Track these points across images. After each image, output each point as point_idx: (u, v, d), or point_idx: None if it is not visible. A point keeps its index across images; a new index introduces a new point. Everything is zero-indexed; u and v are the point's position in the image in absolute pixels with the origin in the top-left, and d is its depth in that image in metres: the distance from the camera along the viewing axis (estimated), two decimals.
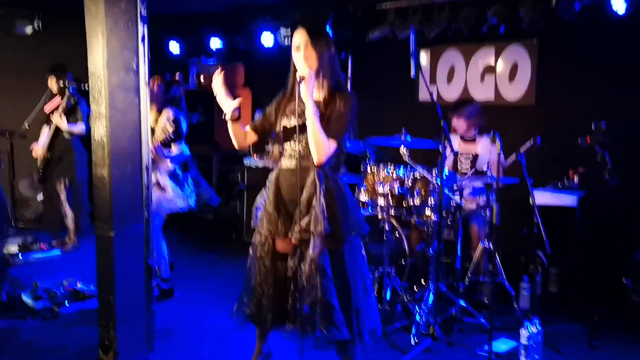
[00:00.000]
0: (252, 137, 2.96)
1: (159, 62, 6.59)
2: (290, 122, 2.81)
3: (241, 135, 2.93)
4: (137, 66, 3.14)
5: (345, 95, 2.73)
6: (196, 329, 3.92)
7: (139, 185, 3.25)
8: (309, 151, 2.70)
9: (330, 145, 2.66)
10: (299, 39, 2.72)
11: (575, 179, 4.63)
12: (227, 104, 2.82)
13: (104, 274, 3.23)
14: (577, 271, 4.48)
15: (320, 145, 2.63)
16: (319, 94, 2.75)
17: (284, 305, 2.78)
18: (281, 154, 2.87)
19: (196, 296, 4.57)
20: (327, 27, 2.80)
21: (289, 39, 2.83)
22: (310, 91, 2.63)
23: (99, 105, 3.11)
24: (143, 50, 3.16)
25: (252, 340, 3.16)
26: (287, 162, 2.84)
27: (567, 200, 4.48)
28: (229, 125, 2.88)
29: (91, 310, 3.98)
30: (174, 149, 4.35)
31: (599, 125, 3.81)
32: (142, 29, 3.14)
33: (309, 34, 2.70)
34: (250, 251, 2.95)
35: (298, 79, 2.64)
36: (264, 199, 2.91)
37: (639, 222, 4.35)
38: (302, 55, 2.70)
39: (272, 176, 2.91)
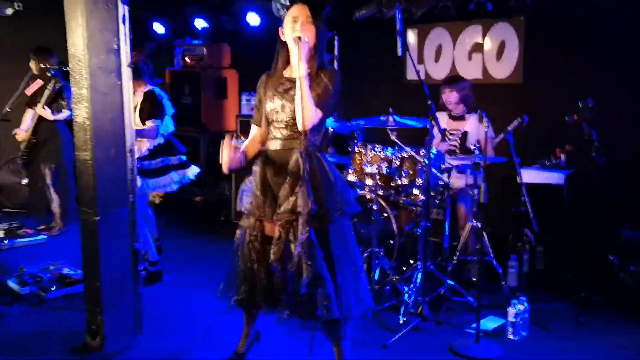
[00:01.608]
0: (262, 133, 2.91)
1: (143, 44, 6.49)
2: (278, 102, 2.79)
3: (256, 147, 2.92)
4: (118, 47, 3.09)
5: (330, 71, 2.77)
6: (185, 312, 3.92)
7: (123, 168, 3.22)
8: (294, 133, 2.68)
9: (317, 113, 2.67)
10: (299, 11, 2.73)
11: (563, 157, 4.63)
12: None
13: (89, 258, 3.22)
14: (564, 249, 4.51)
15: (307, 110, 2.63)
16: (303, 71, 2.72)
17: (275, 289, 2.76)
18: (267, 136, 2.84)
19: (185, 279, 4.56)
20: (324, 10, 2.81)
21: (285, 9, 2.80)
22: (304, 54, 2.64)
23: (80, 88, 3.06)
24: (124, 31, 3.11)
25: (241, 323, 3.16)
26: (273, 144, 2.81)
27: (554, 178, 4.49)
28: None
29: (78, 295, 3.97)
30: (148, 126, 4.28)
31: (586, 103, 3.80)
32: (122, 9, 3.08)
33: (310, 9, 2.73)
34: (238, 234, 2.92)
35: (293, 39, 2.65)
36: (251, 182, 2.87)
37: (625, 199, 4.37)
38: (300, 28, 2.69)
39: (258, 159, 2.88)
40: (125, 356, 3.27)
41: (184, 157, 4.58)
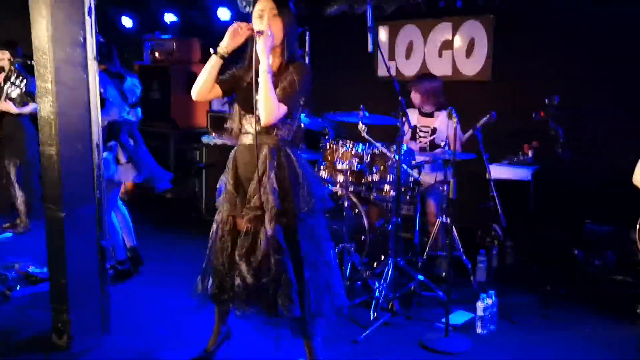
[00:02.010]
0: (217, 91, 2.83)
1: (112, 38, 6.37)
2: (249, 95, 2.71)
3: (211, 83, 2.77)
4: (84, 40, 3.03)
5: (299, 65, 2.71)
6: (154, 310, 3.87)
7: (90, 164, 3.16)
8: (266, 128, 2.67)
9: (280, 108, 2.61)
10: (264, 5, 2.67)
11: (530, 153, 4.71)
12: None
13: (55, 256, 3.16)
14: (532, 243, 4.59)
15: (269, 105, 2.58)
16: (275, 63, 2.71)
17: (242, 285, 2.74)
18: (240, 130, 2.81)
19: (154, 277, 4.50)
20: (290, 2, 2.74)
21: (251, 5, 2.75)
22: (266, 48, 2.58)
23: (45, 82, 2.99)
24: (90, 24, 3.04)
25: (212, 320, 3.13)
26: (245, 139, 2.79)
27: (522, 174, 4.57)
28: (213, 60, 2.71)
29: (44, 294, 3.87)
30: None
31: (553, 100, 3.88)
32: (88, 1, 3.02)
33: (276, 2, 2.67)
34: (212, 230, 2.90)
35: (255, 33, 2.59)
36: (226, 177, 2.85)
37: (589, 195, 4.47)
38: (265, 23, 2.64)
39: (231, 154, 2.86)
40: (92, 355, 3.21)
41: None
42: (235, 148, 2.85)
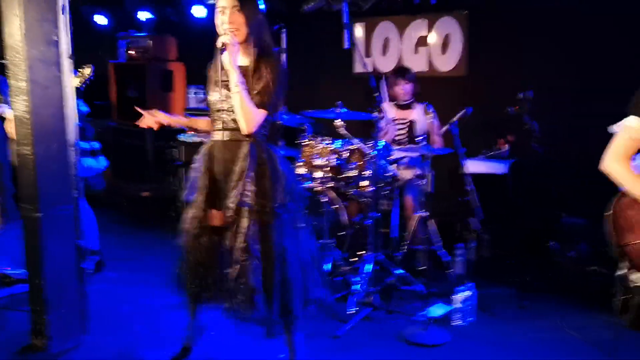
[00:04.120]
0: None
1: (85, 36, 6.30)
2: (221, 93, 2.72)
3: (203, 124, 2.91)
4: (58, 38, 2.99)
5: (271, 62, 2.64)
6: (132, 309, 3.84)
7: (65, 163, 3.13)
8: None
9: (259, 114, 2.60)
10: (224, 1, 2.61)
11: (505, 147, 4.78)
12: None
13: (31, 257, 3.12)
14: (509, 236, 4.66)
15: (249, 115, 2.58)
16: (246, 61, 2.67)
17: (217, 282, 2.75)
18: (213, 126, 2.80)
19: (131, 276, 4.47)
20: None
21: None
22: (233, 59, 2.55)
23: (18, 80, 2.96)
24: (64, 22, 3.01)
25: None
26: (219, 135, 2.76)
27: (497, 168, 4.63)
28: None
29: (21, 295, 3.82)
30: None
31: (527, 95, 3.94)
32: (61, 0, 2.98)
33: None
34: (185, 226, 2.89)
35: (220, 46, 2.56)
36: (197, 172, 2.83)
37: (564, 188, 4.55)
38: (228, 20, 2.59)
39: (204, 148, 2.83)
40: (71, 356, 3.18)
41: (95, 145, 4.45)
42: (208, 144, 2.82)
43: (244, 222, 2.64)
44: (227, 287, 2.67)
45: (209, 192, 2.76)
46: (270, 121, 2.72)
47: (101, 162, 4.45)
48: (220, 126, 2.74)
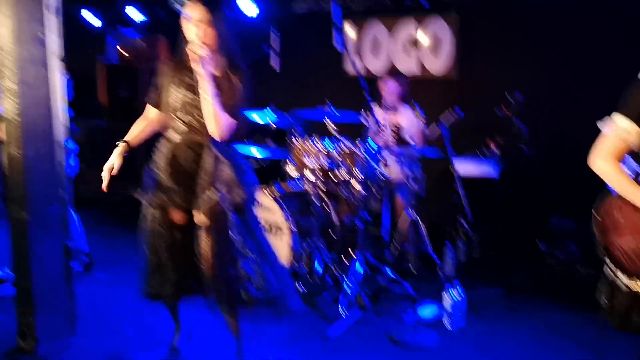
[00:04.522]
0: (160, 116, 2.89)
1: (75, 35, 6.26)
2: (183, 94, 2.74)
3: (153, 128, 2.97)
4: (47, 38, 2.97)
5: (237, 74, 2.71)
6: (121, 311, 3.82)
7: (54, 164, 3.11)
8: (202, 124, 2.67)
9: (232, 123, 2.67)
10: (198, 14, 2.62)
11: (495, 149, 4.79)
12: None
13: (19, 258, 3.10)
14: (498, 237, 4.68)
15: (222, 123, 2.63)
16: (217, 72, 2.70)
17: (187, 277, 2.79)
18: (170, 125, 2.81)
19: (121, 277, 4.44)
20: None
21: (181, 5, 2.74)
22: (208, 71, 2.60)
23: (7, 81, 2.93)
24: (53, 21, 2.99)
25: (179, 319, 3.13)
26: (179, 134, 2.76)
27: (487, 169, 4.64)
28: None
29: (6, 297, 3.79)
30: None
31: (516, 97, 3.96)
32: None
33: (208, 10, 2.62)
34: (146, 226, 2.89)
35: (196, 57, 2.58)
36: (156, 170, 2.84)
37: (553, 189, 4.58)
38: (201, 33, 2.62)
39: (164, 146, 2.83)
40: (59, 358, 3.16)
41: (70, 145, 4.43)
42: (167, 144, 2.82)
43: (221, 218, 2.68)
44: (211, 282, 2.71)
45: (170, 190, 2.76)
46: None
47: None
48: (181, 127, 2.75)
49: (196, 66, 2.60)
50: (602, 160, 2.12)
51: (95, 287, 4.25)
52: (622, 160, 2.14)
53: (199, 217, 2.72)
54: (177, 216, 2.78)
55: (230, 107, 2.66)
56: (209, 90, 2.59)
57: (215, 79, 2.64)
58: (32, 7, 2.92)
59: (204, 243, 2.70)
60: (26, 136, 2.96)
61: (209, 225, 2.70)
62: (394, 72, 4.88)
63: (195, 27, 2.63)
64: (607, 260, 2.12)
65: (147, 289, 2.90)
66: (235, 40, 2.77)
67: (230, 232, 2.72)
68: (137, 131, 2.99)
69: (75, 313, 3.33)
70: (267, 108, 4.37)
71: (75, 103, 4.45)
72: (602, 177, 2.13)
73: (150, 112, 2.93)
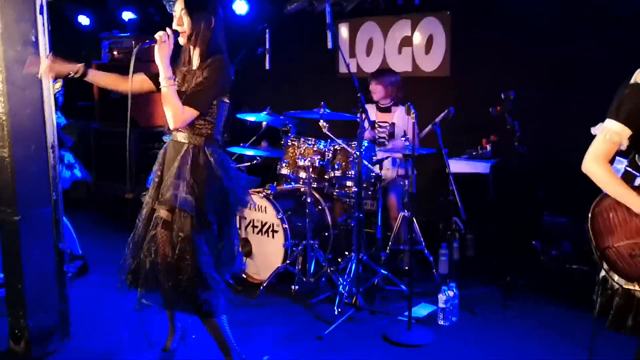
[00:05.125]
0: (148, 84, 2.90)
1: (68, 36, 6.23)
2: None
3: (116, 79, 2.90)
4: (36, 39, 2.95)
5: (212, 62, 2.64)
6: (114, 313, 3.79)
7: (44, 165, 3.09)
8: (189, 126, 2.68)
9: (186, 112, 2.59)
10: (176, 5, 2.69)
11: (488, 147, 4.81)
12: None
13: (10, 260, 3.08)
14: (492, 236, 4.68)
15: (171, 113, 2.60)
16: (195, 59, 2.72)
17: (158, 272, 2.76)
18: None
19: (114, 279, 4.38)
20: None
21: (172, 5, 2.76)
22: (162, 55, 2.57)
23: None
24: (42, 22, 2.97)
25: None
26: (173, 135, 2.79)
27: (480, 167, 4.65)
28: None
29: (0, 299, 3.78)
30: None
31: (508, 95, 3.96)
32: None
33: (184, 2, 2.65)
34: (136, 224, 2.92)
35: (156, 41, 2.59)
36: (154, 170, 2.88)
37: (546, 187, 4.58)
38: (176, 21, 2.66)
39: (162, 148, 2.88)
40: None
41: (71, 155, 4.42)
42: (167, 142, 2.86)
43: (177, 220, 2.66)
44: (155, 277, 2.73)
45: (155, 188, 2.79)
46: (215, 122, 2.71)
47: (76, 174, 4.40)
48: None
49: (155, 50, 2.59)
50: (595, 165, 2.13)
51: (89, 289, 4.23)
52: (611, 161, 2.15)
53: (159, 209, 2.72)
54: (161, 211, 2.74)
55: (193, 96, 2.60)
56: (163, 74, 2.59)
57: (190, 69, 2.66)
58: (22, 7, 2.90)
59: (159, 237, 2.69)
60: (15, 137, 2.94)
61: (168, 222, 2.68)
62: (388, 69, 4.87)
63: (175, 15, 2.67)
64: (602, 262, 2.12)
65: (125, 277, 2.89)
66: (217, 32, 2.70)
67: (192, 235, 2.65)
68: (107, 74, 2.95)
69: (69, 315, 3.31)
70: (264, 112, 4.35)
71: (68, 105, 4.44)
72: (595, 181, 2.14)
73: (136, 76, 2.84)
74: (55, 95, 3.97)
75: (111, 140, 6.68)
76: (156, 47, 2.58)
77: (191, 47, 2.72)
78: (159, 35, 2.58)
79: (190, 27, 2.65)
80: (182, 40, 2.65)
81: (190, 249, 2.66)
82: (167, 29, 2.61)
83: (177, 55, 2.76)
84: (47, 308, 3.16)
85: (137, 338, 3.43)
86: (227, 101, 2.76)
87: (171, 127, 2.64)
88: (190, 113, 2.61)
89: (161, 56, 2.58)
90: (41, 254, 3.10)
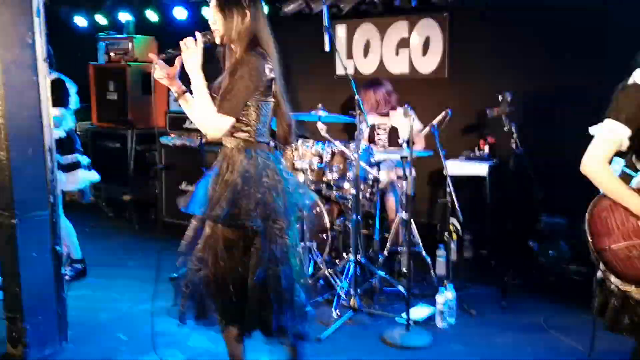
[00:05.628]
0: None
1: (65, 38, 6.22)
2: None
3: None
4: (33, 41, 2.95)
5: (241, 61, 2.43)
6: (112, 315, 3.80)
7: (42, 168, 3.09)
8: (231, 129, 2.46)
9: (217, 120, 2.37)
10: (210, 3, 2.50)
11: (486, 148, 4.81)
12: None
13: (7, 263, 3.07)
14: (489, 237, 4.69)
15: (202, 121, 2.42)
16: (232, 61, 2.52)
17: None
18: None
19: (112, 282, 4.42)
20: None
21: None
22: (190, 61, 2.38)
23: None
24: (39, 24, 2.97)
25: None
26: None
27: (478, 169, 4.65)
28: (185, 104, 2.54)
29: None
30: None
31: (506, 97, 3.97)
32: (36, 1, 2.94)
33: None
34: (204, 241, 2.58)
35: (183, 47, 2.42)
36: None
37: (544, 187, 4.59)
38: (211, 19, 2.48)
39: None
40: None
41: (86, 158, 4.43)
42: None
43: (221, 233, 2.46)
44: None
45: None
46: (247, 124, 2.46)
47: (92, 177, 4.42)
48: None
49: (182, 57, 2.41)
50: (594, 165, 2.13)
51: (86, 291, 4.22)
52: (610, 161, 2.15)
53: (215, 229, 2.48)
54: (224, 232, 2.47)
55: (223, 101, 2.38)
56: (194, 82, 2.40)
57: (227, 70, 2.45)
58: (19, 10, 2.89)
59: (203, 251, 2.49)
60: (12, 140, 2.93)
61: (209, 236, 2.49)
62: (372, 80, 4.87)
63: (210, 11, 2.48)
64: (599, 263, 2.12)
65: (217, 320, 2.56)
66: (248, 28, 2.47)
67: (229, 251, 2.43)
68: None
69: (66, 318, 3.30)
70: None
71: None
72: (594, 181, 2.14)
73: None
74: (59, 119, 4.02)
75: (108, 141, 6.67)
76: (183, 54, 2.40)
77: (229, 47, 2.50)
78: (183, 42, 2.40)
79: (224, 25, 2.45)
80: (192, 57, 2.39)
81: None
82: (197, 34, 2.42)
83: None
84: (44, 311, 3.15)
85: (134, 341, 3.43)
86: (271, 100, 2.51)
87: (210, 137, 2.43)
88: (223, 119, 2.37)
89: (189, 63, 2.39)
90: (39, 257, 3.10)
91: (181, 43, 2.40)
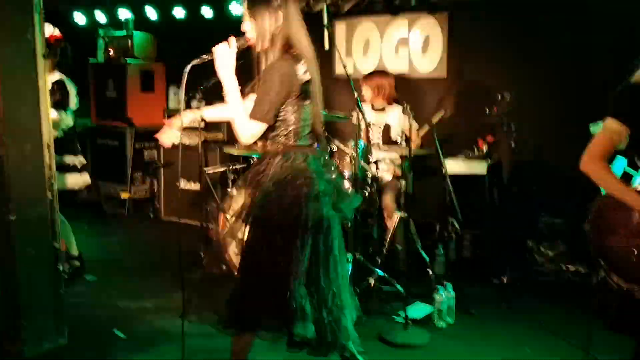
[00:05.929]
0: None
1: (63, 34, 6.19)
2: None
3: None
4: (32, 37, 2.94)
5: (271, 65, 2.40)
6: (110, 313, 3.79)
7: (40, 164, 3.08)
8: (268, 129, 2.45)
9: (255, 126, 2.36)
10: (243, 9, 2.49)
11: (484, 148, 4.80)
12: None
13: (5, 260, 3.06)
14: (488, 236, 4.69)
15: (236, 128, 2.39)
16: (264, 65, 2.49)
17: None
18: None
19: (109, 279, 4.41)
20: None
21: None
22: (223, 67, 2.37)
23: None
24: (37, 20, 2.96)
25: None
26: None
27: (477, 168, 4.64)
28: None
29: None
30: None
31: (505, 96, 3.97)
32: None
33: (247, 3, 2.45)
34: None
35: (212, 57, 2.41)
36: None
37: (542, 188, 4.59)
38: (244, 27, 2.46)
39: None
40: None
41: (83, 159, 4.41)
42: None
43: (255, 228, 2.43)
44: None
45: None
46: (281, 127, 2.43)
47: (84, 179, 4.40)
48: None
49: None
50: (594, 163, 2.13)
51: (84, 289, 4.21)
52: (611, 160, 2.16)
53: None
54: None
55: (254, 106, 2.36)
56: (226, 89, 2.39)
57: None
58: (16, 5, 2.89)
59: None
60: (10, 136, 2.92)
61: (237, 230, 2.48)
62: (378, 70, 4.87)
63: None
64: (600, 262, 2.12)
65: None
66: (292, 27, 2.42)
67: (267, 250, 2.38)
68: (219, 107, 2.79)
69: (63, 316, 3.29)
70: None
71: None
72: (593, 179, 2.14)
73: None
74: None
75: (106, 139, 6.67)
76: (216, 60, 2.37)
77: (263, 52, 2.45)
78: (214, 49, 2.38)
79: (256, 30, 2.42)
80: (222, 61, 2.39)
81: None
82: (231, 38, 2.40)
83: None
84: (41, 308, 3.14)
85: (131, 339, 3.43)
86: (306, 102, 2.46)
87: (244, 144, 2.46)
88: (255, 125, 2.36)
89: (221, 69, 2.37)
90: (36, 254, 3.09)
91: (214, 49, 2.38)
